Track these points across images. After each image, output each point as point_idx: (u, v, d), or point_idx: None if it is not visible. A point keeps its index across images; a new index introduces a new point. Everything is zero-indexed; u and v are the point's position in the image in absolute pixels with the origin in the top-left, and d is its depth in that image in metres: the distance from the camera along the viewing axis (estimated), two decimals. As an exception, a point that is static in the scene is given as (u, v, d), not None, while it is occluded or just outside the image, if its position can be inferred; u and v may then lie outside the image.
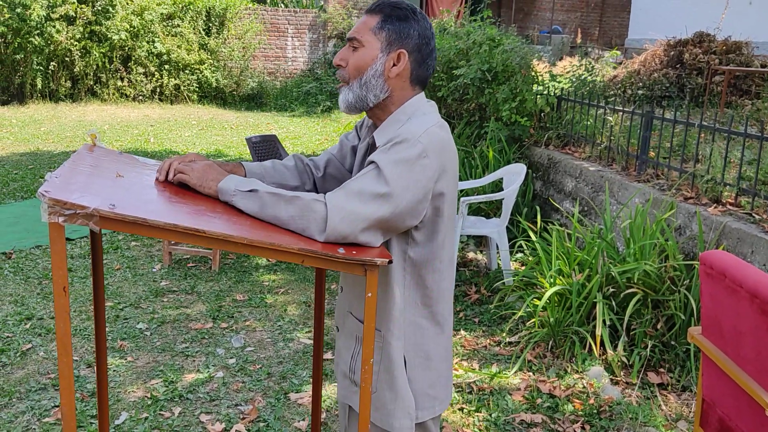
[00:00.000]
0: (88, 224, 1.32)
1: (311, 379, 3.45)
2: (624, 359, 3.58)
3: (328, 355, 3.74)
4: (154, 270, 4.99)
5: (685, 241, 4.00)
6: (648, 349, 3.56)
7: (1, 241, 5.43)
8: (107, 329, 3.98)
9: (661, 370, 3.57)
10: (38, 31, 12.46)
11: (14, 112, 12.22)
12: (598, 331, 3.55)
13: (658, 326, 3.63)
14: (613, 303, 3.68)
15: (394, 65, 1.64)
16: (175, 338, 3.93)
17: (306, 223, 1.51)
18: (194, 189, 1.62)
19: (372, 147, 1.73)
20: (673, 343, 3.61)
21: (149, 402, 3.25)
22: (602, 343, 3.62)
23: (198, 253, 5.12)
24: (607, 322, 3.61)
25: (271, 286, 4.78)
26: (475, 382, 3.52)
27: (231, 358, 3.72)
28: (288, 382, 3.48)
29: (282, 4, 17.66)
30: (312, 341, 3.90)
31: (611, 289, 3.71)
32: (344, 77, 1.68)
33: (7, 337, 3.85)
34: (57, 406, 3.16)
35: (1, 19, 12.14)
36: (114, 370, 3.54)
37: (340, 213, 1.50)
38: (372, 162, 1.57)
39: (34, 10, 12.20)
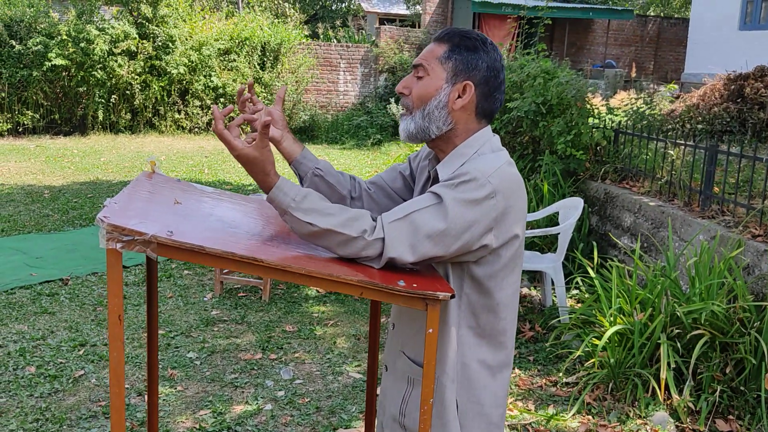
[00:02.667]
0: (146, 251, 1.29)
1: (361, 415, 3.37)
2: (690, 405, 3.38)
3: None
4: (205, 299, 5.01)
5: (755, 281, 3.80)
6: (716, 395, 3.37)
7: (59, 267, 5.54)
8: (158, 357, 3.98)
9: (731, 417, 3.37)
10: (101, 65, 12.93)
11: (76, 142, 12.64)
12: (663, 374, 3.38)
13: (727, 370, 3.43)
14: (678, 345, 3.50)
15: (459, 97, 1.58)
16: (225, 368, 3.90)
17: (359, 259, 1.48)
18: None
19: (434, 180, 1.66)
20: (742, 388, 3.40)
21: (197, 433, 3.21)
22: (667, 387, 3.43)
23: (249, 283, 5.12)
24: (672, 365, 3.43)
25: (321, 317, 4.73)
26: (530, 424, 3.37)
27: (280, 390, 3.67)
28: (337, 417, 3.40)
29: (335, 39, 17.98)
30: (361, 375, 3.82)
31: (676, 330, 3.53)
32: (407, 105, 1.62)
33: (61, 363, 3.89)
34: (107, 435, 3.15)
35: (66, 53, 12.64)
36: (164, 399, 3.52)
37: (396, 249, 1.46)
38: (434, 193, 1.50)
39: (97, 45, 12.67)
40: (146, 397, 1.97)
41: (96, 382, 3.68)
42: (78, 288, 5.13)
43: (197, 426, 3.27)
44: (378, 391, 1.88)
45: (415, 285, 1.43)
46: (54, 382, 3.65)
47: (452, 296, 1.42)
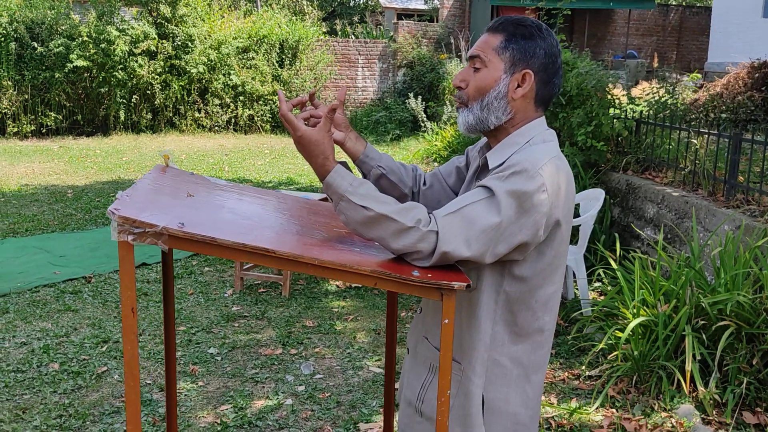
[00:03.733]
0: (158, 243, 1.28)
1: (381, 410, 3.36)
2: (716, 397, 3.32)
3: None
4: (225, 295, 5.03)
5: (782, 271, 3.72)
6: (743, 387, 3.30)
7: (82, 265, 5.60)
8: (179, 353, 4.01)
9: (758, 409, 3.30)
10: (122, 66, 13.05)
11: (98, 143, 12.77)
12: (688, 366, 3.32)
13: (754, 362, 3.36)
14: (704, 336, 3.44)
15: (519, 86, 1.55)
16: (246, 364, 3.91)
17: (415, 255, 1.43)
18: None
19: (483, 167, 1.63)
20: (770, 380, 3.33)
21: (219, 428, 3.22)
22: (692, 380, 3.37)
23: (269, 279, 5.13)
24: (698, 357, 3.37)
25: (341, 312, 4.73)
26: (553, 417, 3.33)
27: (300, 385, 3.66)
28: (357, 411, 3.40)
29: (353, 36, 17.97)
30: (381, 370, 3.81)
31: (701, 322, 3.47)
32: (463, 99, 1.59)
33: (84, 359, 3.92)
34: (129, 430, 3.17)
35: (87, 54, 12.78)
36: (185, 395, 3.54)
37: (450, 243, 1.42)
38: (485, 187, 1.47)
39: (117, 45, 12.79)
40: (165, 393, 1.97)
41: (119, 378, 3.70)
42: (101, 286, 5.18)
43: (218, 421, 3.28)
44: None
45: (429, 275, 1.41)
46: (77, 379, 3.69)
47: (468, 287, 1.39)
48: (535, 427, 1.67)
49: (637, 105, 6.45)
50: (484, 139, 1.71)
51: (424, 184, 1.82)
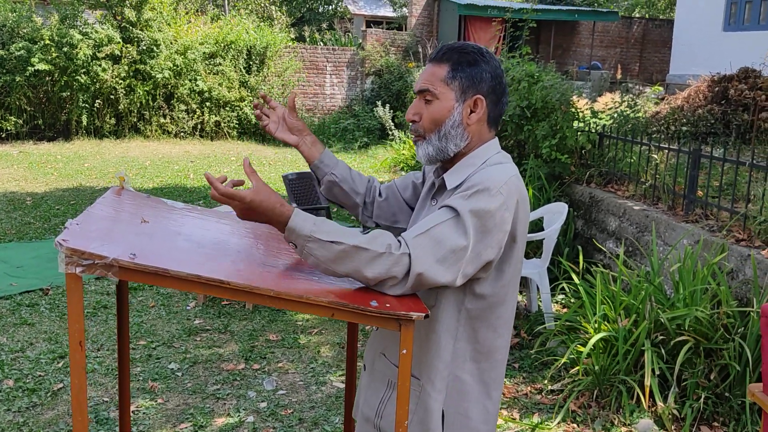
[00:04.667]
0: (108, 275, 1.25)
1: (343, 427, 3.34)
2: (675, 412, 3.37)
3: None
4: (188, 308, 4.95)
5: (739, 286, 3.80)
6: (701, 401, 3.35)
7: (40, 276, 5.47)
8: (139, 369, 3.93)
9: (715, 424, 3.36)
10: (84, 70, 12.81)
11: (60, 148, 12.51)
12: (647, 381, 3.36)
13: (711, 377, 3.42)
14: (663, 351, 3.49)
15: (472, 112, 1.60)
16: (207, 380, 3.85)
17: (389, 283, 1.44)
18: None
19: (439, 188, 1.66)
20: (727, 394, 3.39)
21: (178, 447, 3.16)
22: (651, 394, 3.42)
23: (224, 298, 5.05)
24: (657, 372, 3.42)
25: (305, 326, 4.69)
26: (515, 433, 3.35)
27: (262, 401, 3.62)
28: (320, 428, 3.36)
29: (321, 42, 17.93)
30: (344, 385, 3.78)
31: (660, 336, 3.52)
32: (418, 131, 1.62)
33: (39, 376, 3.82)
34: (85, 450, 3.10)
35: (49, 57, 12.52)
36: (143, 413, 3.47)
37: (423, 263, 1.43)
38: (450, 207, 1.49)
39: (80, 49, 12.55)
40: (119, 415, 1.92)
41: (75, 396, 3.61)
42: (59, 298, 5.06)
43: (178, 440, 3.22)
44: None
45: (387, 305, 1.40)
46: (32, 396, 3.59)
47: (426, 316, 1.39)
48: None
49: (601, 118, 6.54)
50: None
51: (380, 195, 1.85)
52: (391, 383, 1.66)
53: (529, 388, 3.82)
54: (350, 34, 20.84)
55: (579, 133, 6.00)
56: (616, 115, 6.64)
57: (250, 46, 14.61)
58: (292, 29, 18.59)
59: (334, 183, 1.81)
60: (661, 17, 22.88)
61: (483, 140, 1.63)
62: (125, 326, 1.85)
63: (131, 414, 2.16)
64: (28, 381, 3.76)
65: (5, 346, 4.19)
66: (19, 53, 12.39)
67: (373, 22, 24.53)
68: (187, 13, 14.95)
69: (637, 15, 24.59)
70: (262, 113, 1.79)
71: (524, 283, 5.25)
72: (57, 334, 4.40)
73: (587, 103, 9.92)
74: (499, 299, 1.59)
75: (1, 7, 12.96)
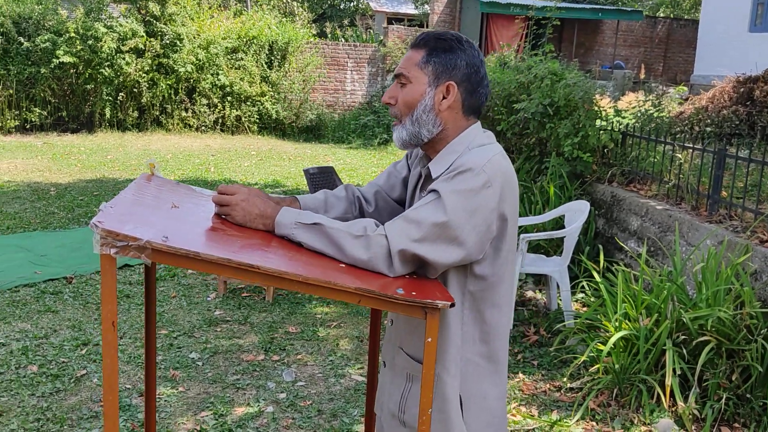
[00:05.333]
0: (141, 257, 1.27)
1: (362, 419, 3.35)
2: (696, 412, 3.35)
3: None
4: (208, 299, 5.00)
5: (762, 287, 3.76)
6: (722, 402, 3.33)
7: (64, 265, 5.54)
8: (160, 358, 3.98)
9: (736, 425, 3.33)
10: (109, 63, 12.94)
11: (83, 140, 12.66)
12: (668, 381, 3.34)
13: (733, 378, 3.39)
14: (684, 351, 3.46)
15: (444, 98, 1.61)
16: (227, 369, 3.88)
17: (374, 260, 1.47)
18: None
19: (426, 178, 1.68)
20: (749, 396, 3.36)
21: (198, 435, 3.20)
22: (672, 394, 3.40)
23: (252, 283, 5.10)
24: (678, 372, 3.40)
25: (324, 319, 4.71)
26: (533, 429, 3.34)
27: (281, 392, 3.65)
28: (339, 420, 3.38)
29: (342, 39, 17.96)
30: (363, 378, 3.80)
31: (682, 336, 3.49)
32: (396, 114, 1.65)
33: (63, 362, 3.88)
34: (107, 435, 3.14)
35: (74, 50, 12.66)
36: (165, 400, 3.51)
37: (401, 242, 1.47)
38: (433, 190, 1.52)
39: (105, 42, 12.68)
40: (145, 400, 1.95)
41: (98, 382, 3.66)
42: (82, 287, 5.13)
43: (198, 428, 3.26)
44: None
45: (414, 293, 1.41)
46: (56, 382, 3.65)
47: (452, 305, 1.40)
48: (506, 418, 1.73)
49: (624, 117, 6.50)
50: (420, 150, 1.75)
51: (368, 204, 1.82)
52: (410, 376, 1.67)
53: (547, 385, 3.81)
54: (371, 31, 20.85)
55: (602, 131, 5.96)
56: (639, 114, 6.58)
57: (272, 42, 14.67)
58: (313, 25, 18.65)
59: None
60: (686, 17, 22.63)
61: (460, 128, 1.63)
62: (152, 314, 1.87)
63: (154, 400, 2.20)
64: (51, 367, 3.81)
65: (29, 332, 4.26)
66: (44, 45, 12.54)
67: (394, 19, 24.51)
68: (210, 8, 15.04)
69: (662, 14, 24.34)
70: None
71: (544, 281, 5.23)
72: (80, 321, 4.46)
73: (610, 102, 9.85)
74: (499, 278, 1.61)
75: (27, 0, 13.13)
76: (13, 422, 3.23)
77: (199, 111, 14.06)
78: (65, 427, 3.22)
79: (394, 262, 1.47)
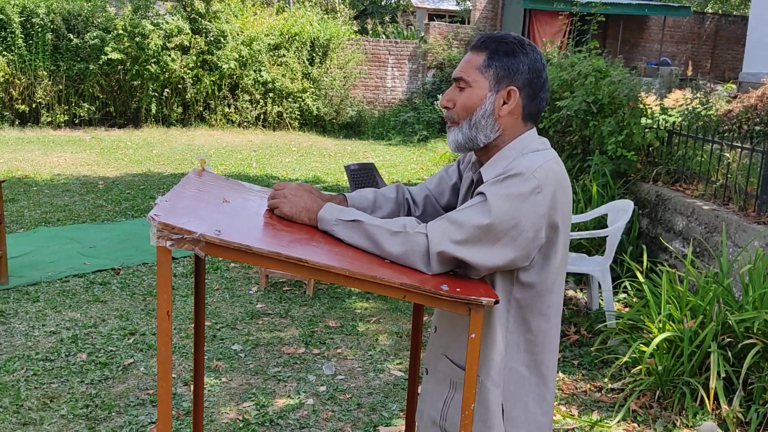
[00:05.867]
0: (194, 249, 1.32)
1: (401, 413, 3.38)
2: (740, 415, 3.28)
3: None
4: (250, 292, 5.08)
5: (813, 291, 3.66)
6: (767, 406, 3.26)
7: (111, 257, 5.70)
8: (204, 348, 4.06)
9: (783, 431, 3.26)
10: (155, 60, 13.22)
11: (129, 135, 12.96)
12: (712, 384, 3.29)
13: (780, 382, 3.32)
14: (729, 354, 3.40)
15: (504, 103, 1.57)
16: (268, 361, 3.95)
17: (411, 257, 1.47)
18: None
19: (477, 183, 1.65)
20: (797, 402, 3.29)
21: (241, 425, 3.27)
22: (716, 397, 3.34)
23: (294, 277, 5.17)
24: (722, 374, 3.34)
25: (364, 314, 4.75)
26: (573, 429, 3.33)
27: (322, 385, 3.70)
28: (378, 414, 3.42)
29: (383, 35, 18.00)
30: (402, 373, 3.83)
31: (727, 339, 3.43)
32: (452, 118, 1.61)
33: (111, 351, 4.00)
34: (154, 423, 3.23)
35: (122, 47, 12.96)
36: (209, 390, 3.59)
37: (441, 243, 1.46)
38: (480, 193, 1.50)
39: (152, 39, 12.96)
40: (192, 387, 2.01)
41: (144, 371, 3.77)
42: (129, 278, 5.27)
43: (240, 417, 3.33)
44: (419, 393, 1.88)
45: (458, 289, 1.42)
46: (104, 370, 3.76)
47: (496, 302, 1.41)
48: (551, 430, 1.70)
49: (670, 115, 6.38)
50: (473, 154, 1.72)
51: (416, 206, 1.81)
52: (453, 383, 1.65)
53: (588, 385, 3.79)
54: (412, 28, 20.84)
55: (647, 129, 5.87)
56: (686, 113, 6.46)
57: (314, 38, 14.79)
58: (355, 22, 18.73)
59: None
60: (735, 13, 22.06)
61: (517, 133, 1.60)
62: (201, 305, 1.93)
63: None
64: (100, 355, 3.93)
65: (79, 321, 4.39)
66: (93, 42, 12.87)
67: (435, 15, 24.44)
68: (253, 5, 15.22)
69: (710, 10, 23.77)
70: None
71: (585, 280, 5.18)
72: (128, 311, 4.59)
73: (656, 99, 9.67)
74: (547, 287, 1.57)
75: (77, -2, 13.49)
76: (63, 408, 3.35)
77: (242, 107, 14.26)
78: (113, 413, 3.33)
79: (431, 262, 1.47)
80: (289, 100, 14.52)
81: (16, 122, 13.04)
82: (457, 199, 1.79)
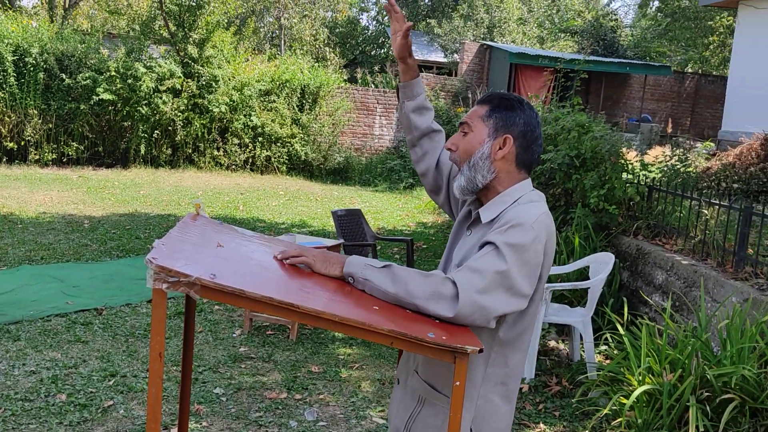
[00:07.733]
0: (189, 292, 1.36)
1: (383, 462, 3.37)
2: (719, 471, 3.31)
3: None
4: (234, 335, 5.07)
5: (788, 347, 3.73)
6: (746, 462, 3.29)
7: (95, 296, 5.68)
8: (185, 392, 4.04)
9: (761, 486, 3.28)
10: (146, 101, 13.35)
11: (117, 175, 12.98)
12: (691, 438, 3.31)
13: (758, 437, 3.36)
14: (708, 408, 3.44)
15: (500, 148, 1.77)
16: (250, 406, 3.93)
17: (436, 299, 1.57)
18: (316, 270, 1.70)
19: (474, 221, 1.82)
20: (774, 457, 3.32)
21: (220, 470, 3.24)
22: (695, 451, 3.36)
23: (277, 321, 5.17)
24: (701, 429, 3.37)
25: (347, 360, 4.76)
26: (554, 481, 3.33)
27: (303, 431, 3.68)
28: (359, 462, 3.40)
29: (372, 84, 18.31)
30: (384, 421, 3.82)
31: (705, 393, 3.48)
32: (455, 160, 1.82)
33: (91, 392, 3.97)
34: (132, 467, 3.20)
35: (114, 88, 13.10)
36: (189, 435, 3.56)
37: (468, 290, 1.57)
38: (489, 243, 1.65)
39: (144, 81, 13.11)
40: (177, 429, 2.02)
41: (124, 413, 3.74)
42: (112, 318, 5.24)
43: (220, 463, 3.30)
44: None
45: (444, 337, 1.47)
46: (83, 411, 3.73)
47: (480, 351, 1.46)
48: None
49: (650, 171, 6.54)
50: None
51: (437, 163, 2.07)
52: (420, 399, 1.78)
53: (569, 437, 3.80)
54: (401, 78, 21.17)
55: (628, 184, 6.01)
56: (666, 169, 6.63)
57: (304, 85, 15.03)
58: (344, 70, 19.06)
59: (415, 109, 2.07)
60: (714, 73, 22.71)
61: (513, 179, 1.79)
62: (190, 348, 1.96)
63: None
64: (80, 396, 3.90)
65: (59, 361, 4.36)
66: (85, 83, 13.00)
67: (423, 66, 24.92)
68: (245, 52, 15.49)
69: (690, 70, 24.46)
70: (391, 6, 1.97)
71: (567, 331, 5.23)
72: (109, 353, 4.56)
73: (637, 155, 9.89)
74: (528, 325, 1.75)
75: (70, 38, 13.66)
76: (41, 449, 3.30)
77: (231, 150, 14.38)
78: (91, 456, 3.29)
79: (458, 305, 1.57)
80: (278, 144, 14.67)
81: (4, 159, 13.05)
82: (444, 181, 2.04)
